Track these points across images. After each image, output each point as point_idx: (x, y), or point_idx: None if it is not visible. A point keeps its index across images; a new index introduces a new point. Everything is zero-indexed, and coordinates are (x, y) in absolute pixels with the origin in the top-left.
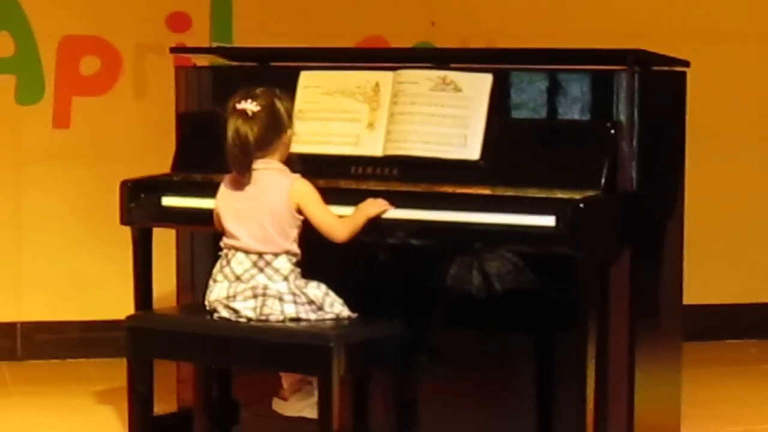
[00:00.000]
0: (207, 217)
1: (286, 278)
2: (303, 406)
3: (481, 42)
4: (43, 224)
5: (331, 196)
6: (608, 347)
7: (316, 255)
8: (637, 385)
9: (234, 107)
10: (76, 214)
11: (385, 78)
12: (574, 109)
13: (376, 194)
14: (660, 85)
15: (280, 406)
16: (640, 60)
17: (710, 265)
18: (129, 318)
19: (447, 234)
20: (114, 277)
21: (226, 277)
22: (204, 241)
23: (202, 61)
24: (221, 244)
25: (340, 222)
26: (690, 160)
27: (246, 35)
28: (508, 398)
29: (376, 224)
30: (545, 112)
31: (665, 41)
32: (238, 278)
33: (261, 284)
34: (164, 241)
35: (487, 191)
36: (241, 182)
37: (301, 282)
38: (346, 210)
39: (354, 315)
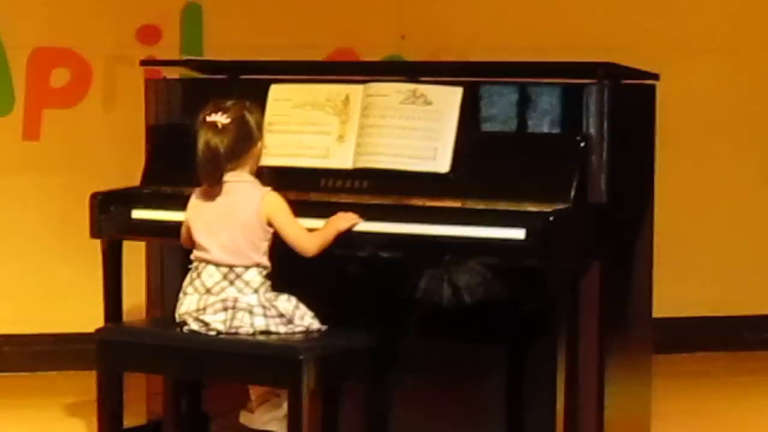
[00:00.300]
0: (177, 229)
1: (256, 291)
2: (269, 419)
3: (451, 55)
4: (13, 236)
5: (302, 209)
6: (578, 358)
7: (286, 268)
8: (607, 396)
9: (204, 120)
10: (46, 226)
11: (355, 91)
12: (543, 121)
13: (346, 207)
14: (630, 98)
15: (246, 419)
16: (609, 73)
17: (680, 278)
18: (99, 330)
19: (417, 247)
20: (84, 289)
21: (196, 289)
22: (174, 254)
23: (172, 73)
24: (192, 256)
25: (309, 236)
26: (660, 172)
27: (216, 48)
28: (479, 409)
29: (346, 237)
30: (515, 125)
31: (635, 55)
32: (208, 291)
33: (231, 297)
34: (134, 254)
35: (456, 204)
36: (211, 194)
37: (271, 295)
38: (316, 223)
39: (324, 327)
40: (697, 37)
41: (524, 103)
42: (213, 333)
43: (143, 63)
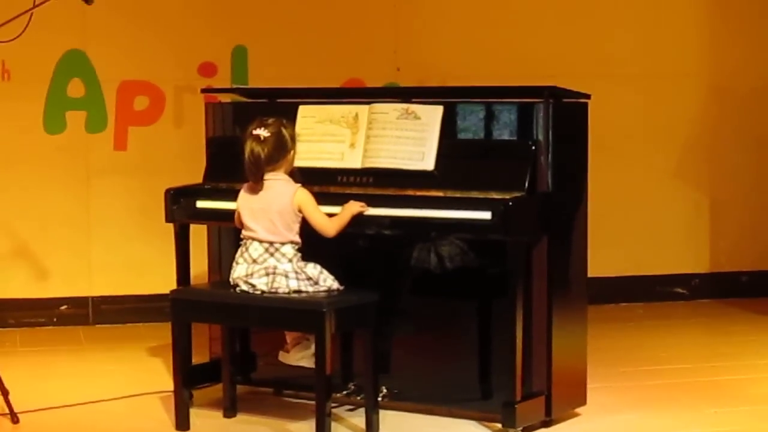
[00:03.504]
0: (231, 215)
1: (290, 260)
2: (301, 357)
3: (435, 82)
4: (108, 222)
5: (323, 199)
6: (531, 309)
7: (313, 243)
8: (554, 338)
9: (250, 132)
10: (132, 215)
11: (362, 109)
12: (504, 131)
13: (356, 197)
14: (568, 112)
15: (284, 357)
16: (552, 94)
17: (608, 247)
18: (172, 292)
19: (410, 226)
20: (161, 262)
21: (245, 260)
22: (228, 234)
23: (225, 98)
24: (241, 235)
25: (330, 221)
26: (592, 168)
27: (258, 79)
28: (457, 349)
29: (357, 219)
30: (482, 134)
31: (572, 79)
32: (254, 261)
33: (272, 265)
34: (198, 234)
35: (439, 193)
36: (255, 189)
37: (302, 263)
38: (335, 209)
39: (341, 287)
40: (620, 65)
41: (489, 118)
42: (258, 292)
43: (203, 91)
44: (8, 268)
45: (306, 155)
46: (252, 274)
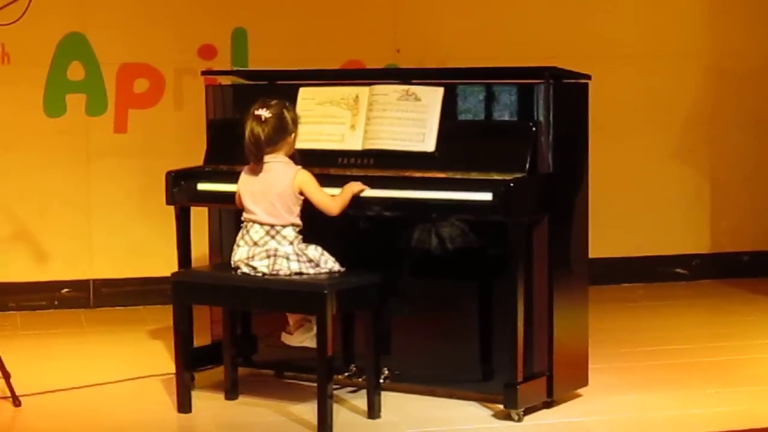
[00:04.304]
0: (231, 198)
1: (291, 243)
2: (304, 338)
3: (435, 63)
4: (109, 205)
5: (324, 180)
6: (532, 290)
7: (314, 225)
8: (555, 319)
9: (252, 113)
10: (133, 197)
11: (363, 91)
12: (504, 112)
13: (357, 179)
14: (569, 93)
15: (286, 339)
16: (553, 75)
17: (609, 228)
18: (174, 274)
19: (411, 207)
20: (162, 244)
21: (246, 242)
22: (229, 216)
23: (225, 80)
24: (242, 217)
25: (332, 200)
26: (593, 148)
27: (258, 61)
28: (458, 330)
29: (357, 201)
30: (483, 115)
31: (572, 60)
32: (255, 243)
33: (273, 247)
34: (199, 216)
35: (440, 175)
36: (255, 171)
37: (302, 245)
38: (335, 190)
39: (342, 269)
40: (619, 46)
41: (489, 99)
42: (259, 275)
43: (204, 73)
44: (9, 251)
45: (306, 137)
46: (253, 257)
